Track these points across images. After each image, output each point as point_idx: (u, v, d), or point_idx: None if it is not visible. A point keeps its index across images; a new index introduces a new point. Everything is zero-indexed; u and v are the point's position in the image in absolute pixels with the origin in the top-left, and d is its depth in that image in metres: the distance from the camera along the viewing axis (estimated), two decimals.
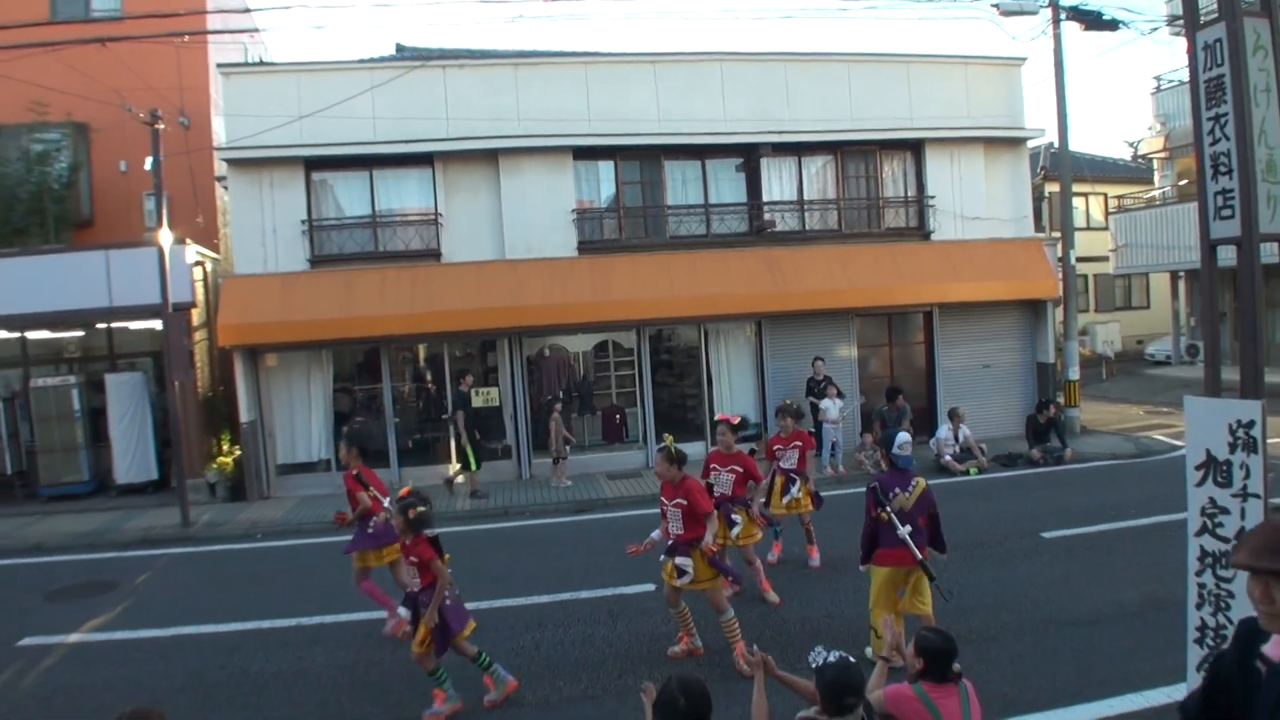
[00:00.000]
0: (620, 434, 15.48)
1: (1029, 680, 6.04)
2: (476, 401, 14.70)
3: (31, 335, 15.08)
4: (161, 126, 12.94)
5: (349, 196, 14.87)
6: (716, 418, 8.52)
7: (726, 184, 15.76)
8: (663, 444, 6.77)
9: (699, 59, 15.45)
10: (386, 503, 7.57)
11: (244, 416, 13.96)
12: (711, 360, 15.53)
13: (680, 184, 15.59)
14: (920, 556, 6.08)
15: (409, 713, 6.06)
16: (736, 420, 8.10)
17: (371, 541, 7.77)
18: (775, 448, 9.03)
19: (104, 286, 13.52)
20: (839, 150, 15.79)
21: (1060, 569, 8.45)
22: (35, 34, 12.84)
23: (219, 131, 15.99)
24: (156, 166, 12.79)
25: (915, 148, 16.02)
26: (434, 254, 14.55)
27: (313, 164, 14.45)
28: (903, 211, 16.14)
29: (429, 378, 15.47)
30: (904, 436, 6.34)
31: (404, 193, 14.96)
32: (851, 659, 3.64)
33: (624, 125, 14.79)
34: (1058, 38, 15.90)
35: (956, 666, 3.99)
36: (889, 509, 6.13)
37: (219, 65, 14.97)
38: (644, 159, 15.34)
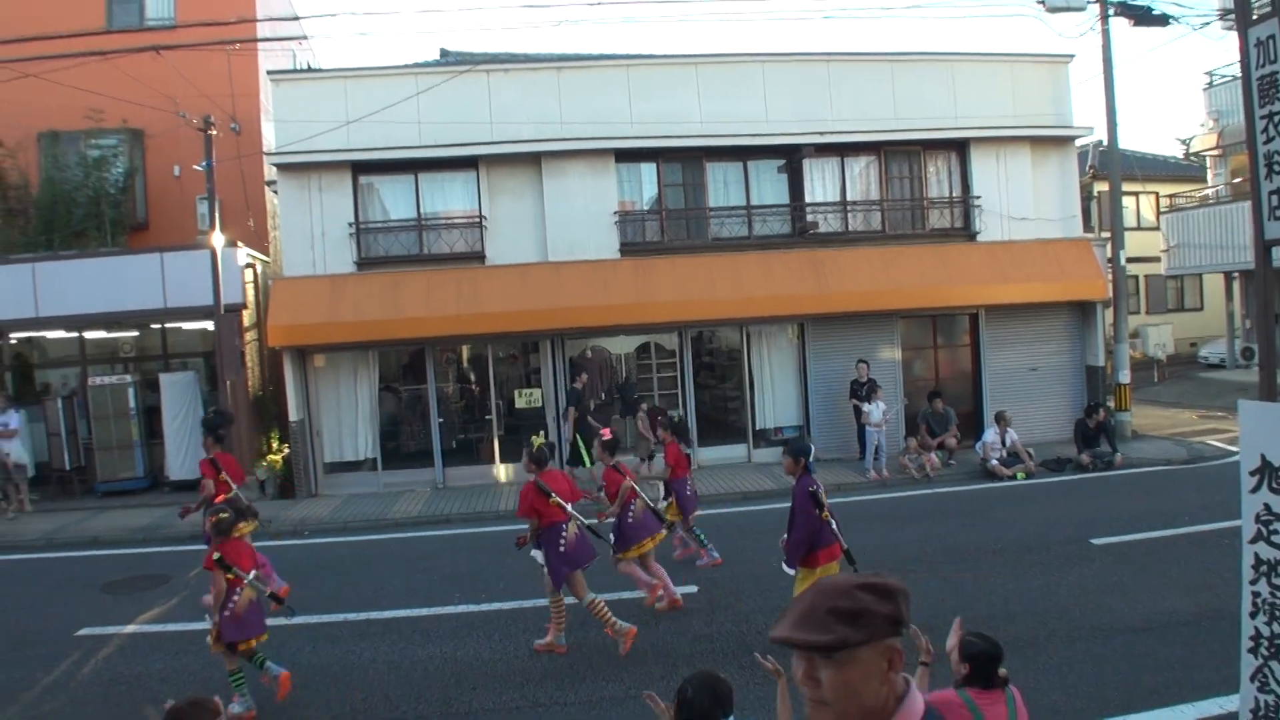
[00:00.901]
0: None
1: (1078, 688, 5.95)
2: (520, 403, 14.85)
3: (89, 335, 15.53)
4: (214, 132, 13.27)
5: (395, 200, 15.09)
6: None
7: (769, 185, 15.71)
8: (529, 442, 7.24)
9: (740, 60, 15.44)
10: (237, 490, 8.32)
11: (293, 416, 14.24)
12: (754, 362, 15.48)
13: (722, 185, 15.57)
14: (845, 546, 6.69)
15: (454, 708, 6.16)
16: (607, 435, 8.42)
17: None
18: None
19: (159, 288, 13.88)
20: (882, 150, 15.65)
21: (1111, 576, 8.31)
22: (92, 43, 13.22)
23: (269, 136, 16.32)
24: (209, 171, 13.12)
25: (960, 147, 15.83)
26: (478, 256, 14.70)
27: (360, 168, 14.68)
28: (948, 212, 15.95)
29: (473, 379, 15.63)
30: (814, 449, 7.03)
31: (449, 196, 15.15)
32: None
33: (666, 127, 14.82)
34: (1106, 34, 15.60)
35: (1003, 671, 3.94)
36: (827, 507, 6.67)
37: (269, 72, 15.28)
38: (686, 161, 15.35)
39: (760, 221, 15.49)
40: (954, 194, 15.98)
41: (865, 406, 13.81)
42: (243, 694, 6.21)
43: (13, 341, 15.72)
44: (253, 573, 6.32)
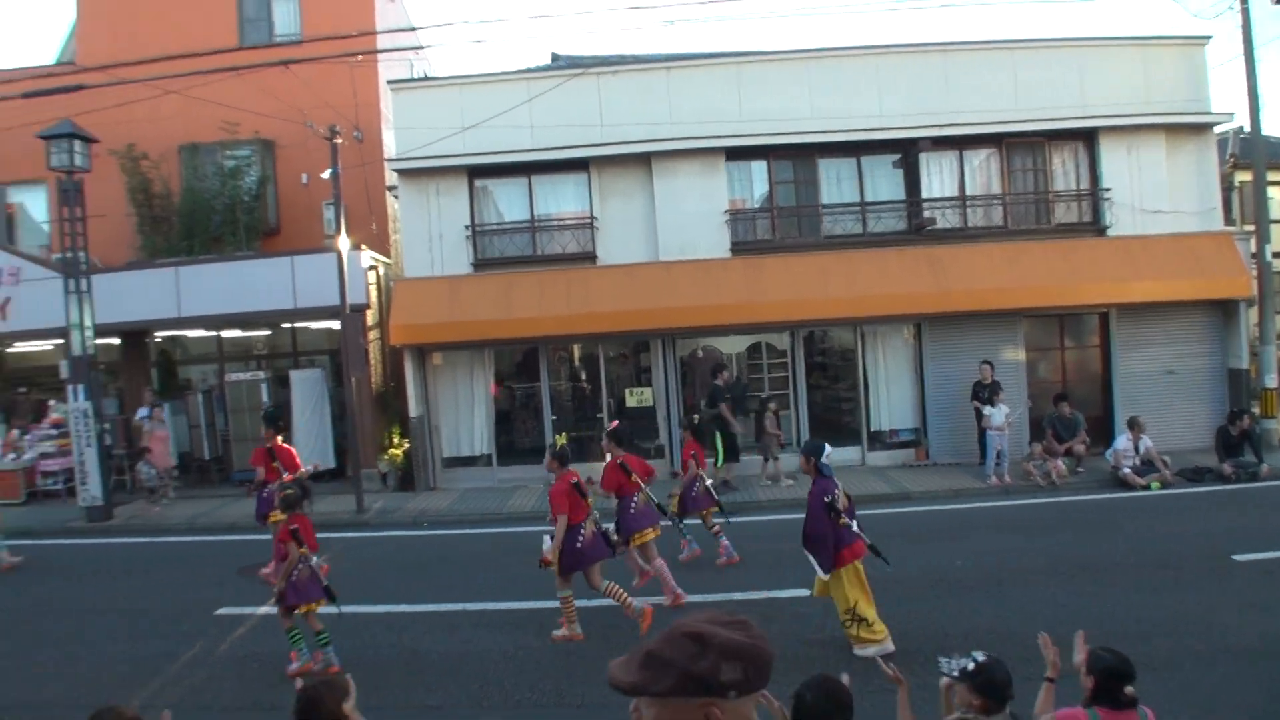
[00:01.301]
0: None
1: (1217, 713, 5.58)
2: (630, 401, 14.98)
3: (226, 334, 16.53)
4: (339, 141, 13.86)
5: (509, 202, 15.45)
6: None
7: (883, 181, 15.35)
8: (552, 442, 7.43)
9: (853, 54, 15.14)
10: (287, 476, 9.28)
11: (412, 412, 14.76)
12: (868, 363, 15.15)
13: (835, 182, 15.31)
14: (869, 541, 6.85)
15: (566, 700, 6.25)
16: (611, 426, 8.64)
17: (267, 505, 9.36)
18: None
19: (289, 289, 14.63)
20: (1003, 142, 15.07)
21: (1254, 595, 7.75)
22: (226, 59, 14.02)
23: (389, 143, 16.93)
24: (335, 178, 13.72)
25: (1088, 137, 15.09)
26: (589, 257, 14.89)
27: (475, 172, 15.09)
28: (1075, 206, 15.23)
29: (584, 377, 15.85)
30: (828, 448, 7.07)
31: (561, 198, 15.41)
32: (994, 655, 3.62)
33: (777, 124, 14.66)
34: (1245, 12, 14.58)
35: (1129, 690, 3.73)
36: (842, 510, 6.79)
37: (389, 81, 15.86)
38: (797, 158, 15.15)
39: (875, 218, 15.14)
40: (1081, 186, 15.26)
41: (987, 410, 13.30)
42: (299, 649, 6.87)
43: (158, 340, 16.87)
44: (314, 558, 7.00)
